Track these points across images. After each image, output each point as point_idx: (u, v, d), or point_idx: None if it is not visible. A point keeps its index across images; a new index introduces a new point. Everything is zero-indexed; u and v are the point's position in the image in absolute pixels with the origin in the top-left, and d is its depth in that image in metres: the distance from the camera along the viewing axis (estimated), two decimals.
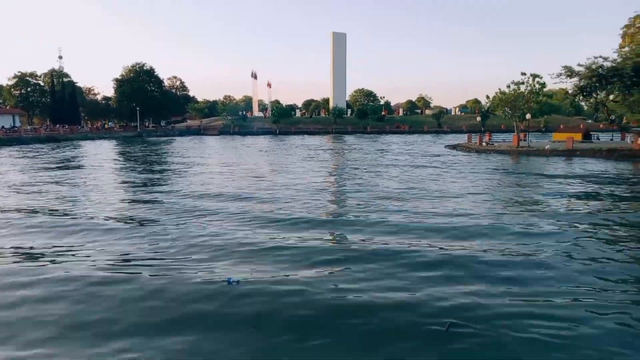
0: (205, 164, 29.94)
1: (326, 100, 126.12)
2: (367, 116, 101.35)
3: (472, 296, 6.66)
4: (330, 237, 10.09)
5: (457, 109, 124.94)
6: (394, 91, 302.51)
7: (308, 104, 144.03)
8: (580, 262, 8.43)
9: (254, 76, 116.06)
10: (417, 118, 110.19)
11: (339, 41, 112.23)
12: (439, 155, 36.02)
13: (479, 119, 72.85)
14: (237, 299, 6.58)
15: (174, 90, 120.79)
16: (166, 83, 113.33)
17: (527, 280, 7.44)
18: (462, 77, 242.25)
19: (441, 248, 8.97)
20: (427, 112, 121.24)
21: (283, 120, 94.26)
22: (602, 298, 6.83)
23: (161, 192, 17.57)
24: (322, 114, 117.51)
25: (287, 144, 55.26)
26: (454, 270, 7.77)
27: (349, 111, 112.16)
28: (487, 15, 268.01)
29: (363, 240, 9.60)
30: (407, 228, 10.63)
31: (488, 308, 6.31)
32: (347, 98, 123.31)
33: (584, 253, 9.00)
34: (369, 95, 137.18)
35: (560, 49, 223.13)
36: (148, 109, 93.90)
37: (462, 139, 55.15)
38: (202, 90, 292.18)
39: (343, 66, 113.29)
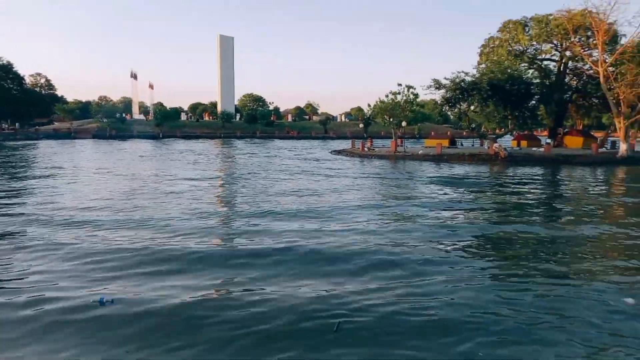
0: (68, 174, 25.51)
1: (214, 104, 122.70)
2: (256, 121, 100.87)
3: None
4: (212, 285, 7.92)
5: (343, 116, 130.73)
6: (283, 97, 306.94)
7: (195, 107, 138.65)
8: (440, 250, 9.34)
9: (134, 76, 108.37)
10: (305, 124, 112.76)
11: (227, 45, 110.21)
12: (325, 161, 37.20)
13: (361, 125, 77.03)
14: None
15: (38, 89, 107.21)
16: (28, 80, 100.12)
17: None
18: (347, 85, 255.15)
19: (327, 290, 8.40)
20: (315, 118, 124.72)
21: (167, 124, 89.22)
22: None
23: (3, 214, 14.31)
24: (206, 118, 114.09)
25: (171, 149, 52.39)
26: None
27: (238, 116, 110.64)
28: (372, 25, 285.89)
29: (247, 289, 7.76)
30: (299, 259, 9.37)
31: None
32: (236, 102, 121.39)
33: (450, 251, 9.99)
34: (258, 100, 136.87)
35: (439, 58, 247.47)
36: (4, 110, 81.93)
37: (347, 144, 57.75)
38: (73, 90, 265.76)
39: (231, 70, 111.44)
